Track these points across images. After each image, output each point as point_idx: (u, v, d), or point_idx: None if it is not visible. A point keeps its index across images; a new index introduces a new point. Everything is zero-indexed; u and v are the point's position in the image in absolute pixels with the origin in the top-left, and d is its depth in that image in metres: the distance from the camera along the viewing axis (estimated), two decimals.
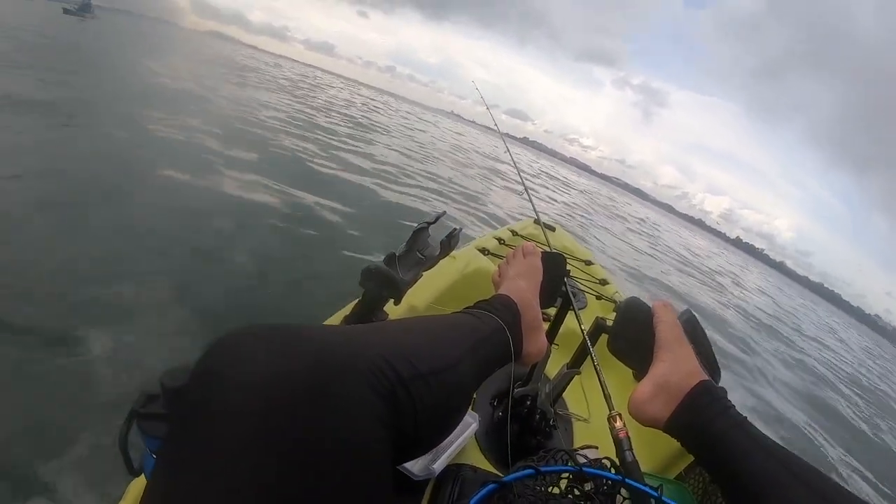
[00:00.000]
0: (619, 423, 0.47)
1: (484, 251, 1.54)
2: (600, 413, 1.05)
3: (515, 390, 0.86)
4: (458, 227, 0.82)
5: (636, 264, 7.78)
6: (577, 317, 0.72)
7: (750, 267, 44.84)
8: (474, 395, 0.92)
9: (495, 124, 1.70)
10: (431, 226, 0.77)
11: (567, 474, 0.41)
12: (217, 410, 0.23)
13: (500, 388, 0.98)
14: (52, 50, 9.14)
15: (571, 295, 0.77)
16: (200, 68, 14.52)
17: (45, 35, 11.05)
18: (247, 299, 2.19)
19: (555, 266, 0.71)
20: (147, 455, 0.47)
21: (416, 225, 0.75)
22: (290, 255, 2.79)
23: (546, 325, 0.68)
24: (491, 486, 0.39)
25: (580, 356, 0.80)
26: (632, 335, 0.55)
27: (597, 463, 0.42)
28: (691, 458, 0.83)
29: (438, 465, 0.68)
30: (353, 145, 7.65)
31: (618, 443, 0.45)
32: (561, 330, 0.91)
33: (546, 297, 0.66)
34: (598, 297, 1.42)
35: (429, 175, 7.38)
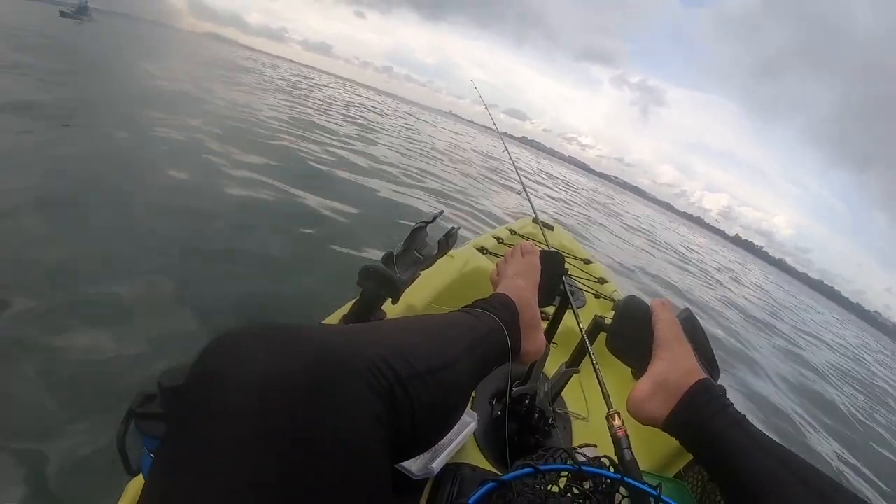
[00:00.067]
0: (617, 422, 0.47)
1: (482, 250, 1.54)
2: (599, 412, 1.05)
3: (514, 389, 0.86)
4: (455, 226, 0.82)
5: (635, 262, 7.77)
6: (575, 315, 0.73)
7: (749, 264, 44.88)
8: (473, 394, 0.93)
9: (494, 123, 1.70)
10: (429, 225, 0.77)
11: (566, 473, 0.41)
12: (216, 410, 0.22)
13: (498, 386, 0.99)
14: (51, 49, 9.11)
15: (570, 293, 0.77)
16: (198, 70, 14.47)
17: (46, 35, 11.00)
18: (245, 299, 2.19)
19: (553, 265, 0.71)
20: (145, 454, 0.47)
21: (413, 224, 0.75)
22: (288, 255, 2.78)
23: (545, 324, 0.68)
24: (490, 484, 0.39)
25: (579, 355, 0.80)
26: (630, 334, 0.55)
27: (596, 461, 0.42)
28: (690, 457, 0.83)
29: (437, 464, 0.68)
30: (351, 145, 7.63)
31: (616, 441, 0.46)
32: (559, 329, 0.92)
33: (544, 296, 0.66)
34: (597, 296, 1.42)
35: (427, 174, 7.37)
